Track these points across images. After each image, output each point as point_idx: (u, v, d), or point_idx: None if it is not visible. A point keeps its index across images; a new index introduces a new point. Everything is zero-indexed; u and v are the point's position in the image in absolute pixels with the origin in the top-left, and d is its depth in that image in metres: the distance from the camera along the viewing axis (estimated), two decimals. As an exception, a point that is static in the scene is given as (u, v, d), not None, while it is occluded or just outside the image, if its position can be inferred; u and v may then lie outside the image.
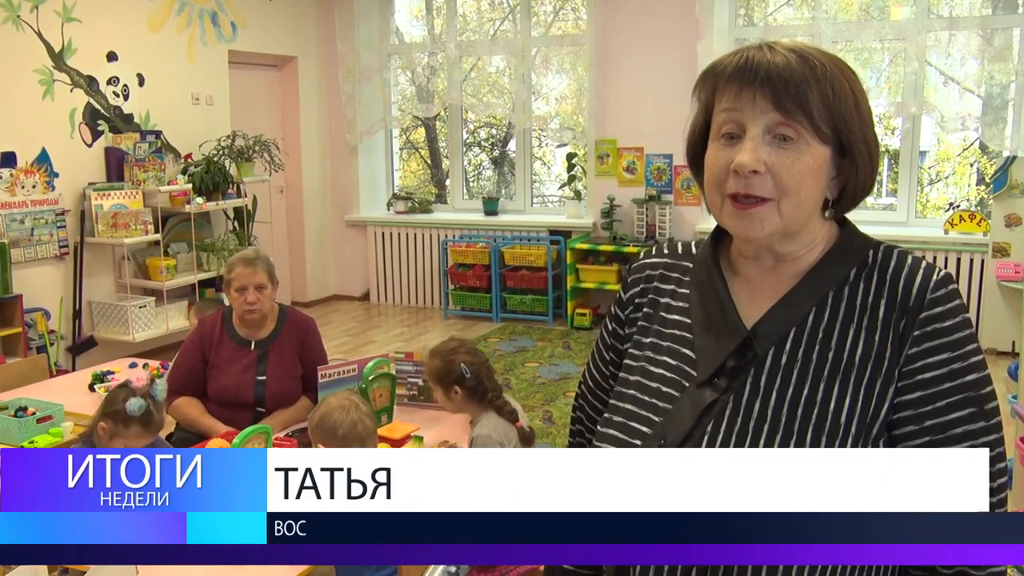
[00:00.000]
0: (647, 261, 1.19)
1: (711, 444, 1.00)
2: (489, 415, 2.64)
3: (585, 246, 6.77)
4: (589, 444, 1.18)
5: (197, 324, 3.19)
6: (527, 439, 2.67)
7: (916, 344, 0.99)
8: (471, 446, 2.60)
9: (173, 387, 3.05)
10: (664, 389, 1.07)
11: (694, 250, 1.16)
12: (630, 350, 1.15)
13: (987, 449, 0.96)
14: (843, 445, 0.97)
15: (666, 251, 1.19)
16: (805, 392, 1.00)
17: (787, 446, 0.97)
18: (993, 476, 0.95)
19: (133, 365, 3.72)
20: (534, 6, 7.29)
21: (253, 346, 3.08)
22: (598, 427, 1.13)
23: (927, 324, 0.99)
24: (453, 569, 2.19)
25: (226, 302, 3.33)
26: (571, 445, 1.30)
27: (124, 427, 2.39)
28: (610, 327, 1.20)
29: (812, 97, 0.98)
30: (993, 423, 0.99)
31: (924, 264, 1.03)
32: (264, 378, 3.05)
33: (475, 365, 2.67)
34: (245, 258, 3.10)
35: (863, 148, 1.01)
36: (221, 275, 6.08)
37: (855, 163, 1.02)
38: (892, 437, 1.00)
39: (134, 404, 2.39)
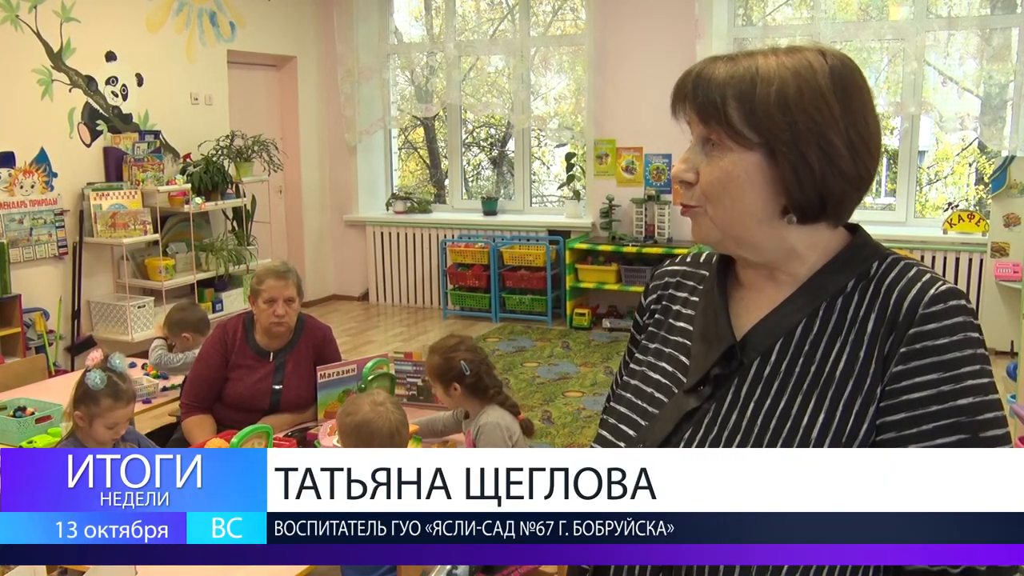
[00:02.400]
0: (667, 269, 1.20)
1: None
2: (493, 407, 2.67)
3: (584, 246, 6.77)
4: None
5: (217, 327, 3.17)
6: (528, 430, 2.72)
7: (902, 362, 0.93)
8: (477, 435, 2.61)
9: (189, 398, 3.04)
10: (657, 395, 1.08)
11: (714, 260, 1.16)
12: (636, 355, 1.16)
13: (988, 449, 0.91)
14: None
15: (688, 259, 1.19)
16: (781, 405, 0.98)
17: None
18: None
19: (132, 365, 3.71)
20: (533, 6, 7.29)
21: (272, 356, 3.08)
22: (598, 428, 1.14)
23: (916, 341, 0.93)
24: (458, 571, 2.19)
25: (200, 307, 3.29)
26: None
27: (95, 405, 2.41)
28: (632, 333, 1.22)
29: (727, 104, 0.97)
30: None
31: (926, 277, 0.97)
32: (280, 387, 3.05)
33: (475, 363, 2.67)
34: (276, 271, 3.05)
35: (788, 151, 0.96)
36: (221, 275, 6.12)
37: (780, 168, 0.97)
38: None
39: (93, 377, 2.42)
